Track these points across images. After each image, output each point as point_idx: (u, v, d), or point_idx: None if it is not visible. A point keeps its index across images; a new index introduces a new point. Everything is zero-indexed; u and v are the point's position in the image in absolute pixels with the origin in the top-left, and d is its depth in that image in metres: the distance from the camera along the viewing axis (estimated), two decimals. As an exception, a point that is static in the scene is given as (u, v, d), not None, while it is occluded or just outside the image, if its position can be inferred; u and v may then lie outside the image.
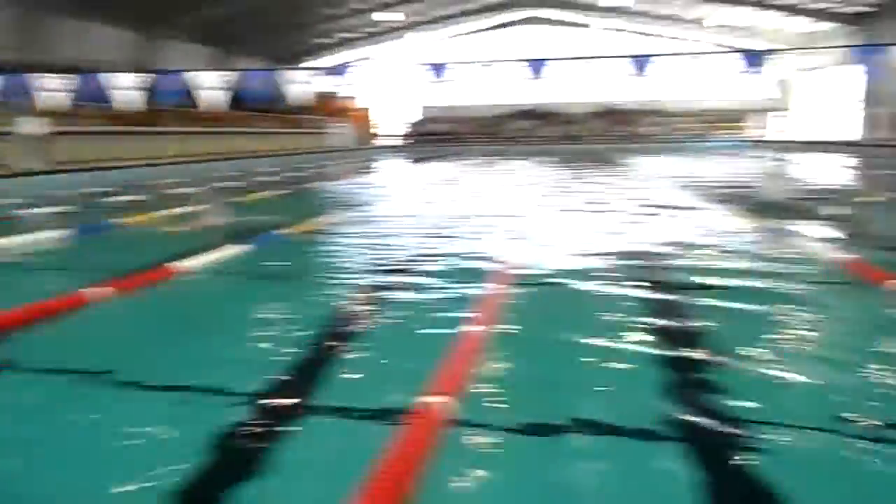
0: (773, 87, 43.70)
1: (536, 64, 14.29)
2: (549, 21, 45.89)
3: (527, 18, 46.05)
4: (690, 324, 3.67)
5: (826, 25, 34.09)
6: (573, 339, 3.40)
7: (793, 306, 3.94)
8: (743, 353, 3.15)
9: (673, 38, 42.89)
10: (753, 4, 34.20)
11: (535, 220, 7.98)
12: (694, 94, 43.68)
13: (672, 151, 30.17)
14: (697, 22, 39.36)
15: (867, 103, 33.66)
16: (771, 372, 2.93)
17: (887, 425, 2.40)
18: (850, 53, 5.45)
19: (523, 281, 4.68)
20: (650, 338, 3.42)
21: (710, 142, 38.07)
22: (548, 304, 4.28)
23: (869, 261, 5.04)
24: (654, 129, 45.41)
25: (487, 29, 46.85)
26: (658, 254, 5.67)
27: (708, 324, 3.62)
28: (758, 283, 4.52)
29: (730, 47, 37.20)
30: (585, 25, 43.84)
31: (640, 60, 12.41)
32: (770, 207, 8.26)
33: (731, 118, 45.13)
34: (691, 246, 6.03)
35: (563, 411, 2.56)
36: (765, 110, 44.89)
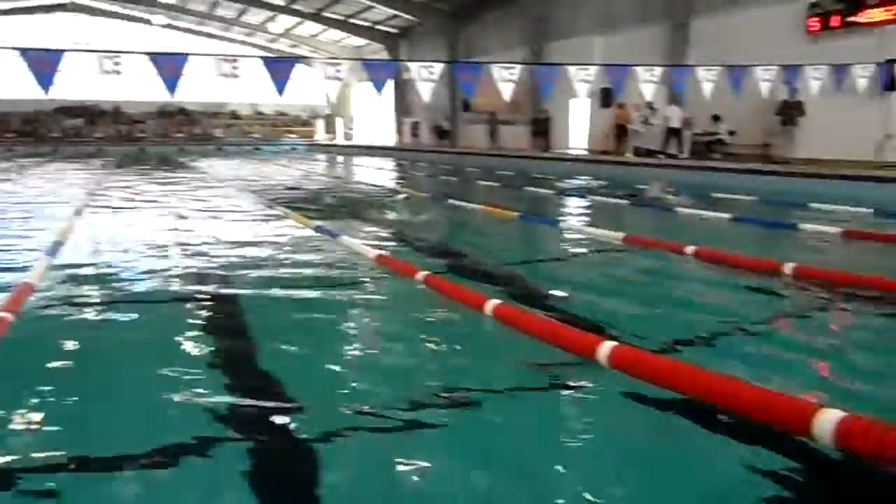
0: (331, 95, 47.49)
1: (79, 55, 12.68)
2: (99, 11, 41.64)
3: (64, 4, 40.86)
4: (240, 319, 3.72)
5: (377, 45, 38.62)
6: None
7: (338, 300, 4.32)
8: (285, 342, 3.32)
9: (231, 41, 43.30)
10: (310, 17, 36.62)
11: (85, 225, 7.20)
12: (260, 97, 44.63)
13: (240, 155, 30.54)
14: (263, 28, 40.50)
15: (396, 113, 39.48)
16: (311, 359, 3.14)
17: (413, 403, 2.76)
18: (378, 69, 6.24)
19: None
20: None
21: (280, 145, 39.52)
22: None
23: (403, 256, 5.80)
24: (226, 131, 45.04)
25: (19, 11, 40.28)
26: (213, 256, 5.67)
27: (257, 320, 3.72)
28: (307, 281, 4.89)
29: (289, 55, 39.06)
30: (144, 20, 41.07)
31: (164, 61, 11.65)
32: (325, 209, 8.92)
33: (300, 122, 47.55)
34: (246, 245, 6.17)
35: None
36: (329, 116, 48.45)
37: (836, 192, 11.33)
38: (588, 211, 10.53)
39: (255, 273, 5.35)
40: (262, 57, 6.00)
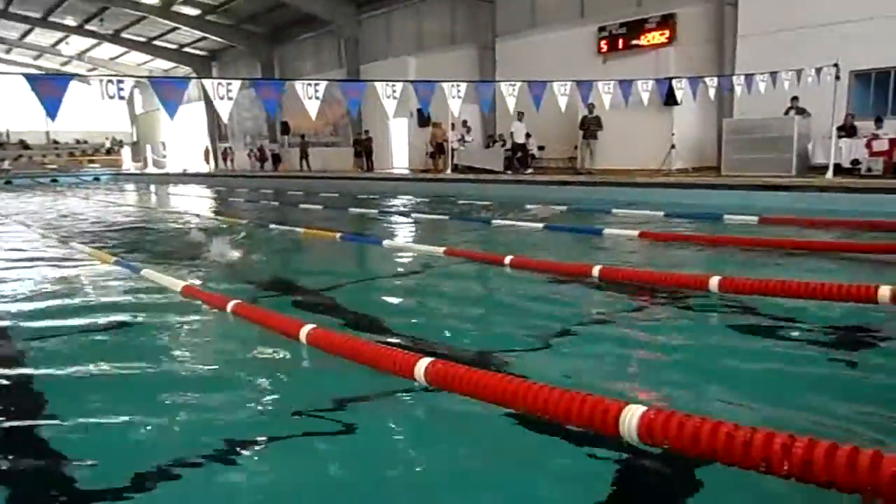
0: (132, 118, 44.43)
1: None
2: None
3: None
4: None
5: (186, 69, 36.61)
6: None
7: (137, 338, 3.90)
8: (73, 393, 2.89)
9: (11, 62, 39.22)
10: (108, 38, 33.99)
11: None
12: (53, 125, 40.72)
13: (33, 188, 27.54)
14: (55, 51, 36.99)
15: (211, 138, 37.93)
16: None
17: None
18: (167, 89, 5.76)
19: None
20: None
21: (81, 176, 36.19)
22: None
23: (215, 286, 5.40)
24: (14, 164, 40.46)
25: None
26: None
27: (40, 366, 3.22)
28: (101, 320, 4.36)
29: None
30: None
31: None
32: (128, 243, 8.18)
33: (105, 151, 43.92)
34: (29, 284, 5.43)
35: None
36: (136, 144, 45.19)
37: (632, 198, 12.37)
38: (410, 228, 10.59)
39: (38, 316, 4.70)
40: (24, 74, 5.28)
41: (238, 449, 2.59)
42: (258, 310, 4.39)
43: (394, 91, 7.48)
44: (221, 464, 2.48)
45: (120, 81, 5.22)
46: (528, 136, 18.90)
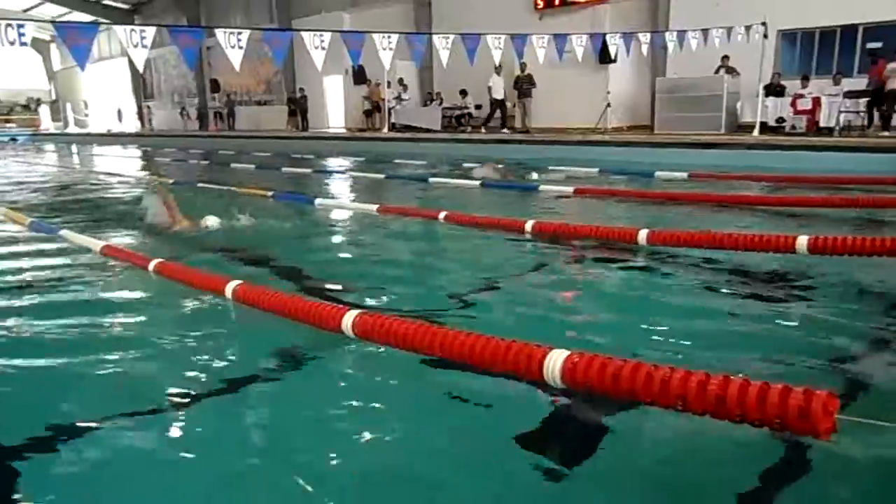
0: (43, 78, 42.05)
1: None
2: None
3: None
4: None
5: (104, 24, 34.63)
6: None
7: (56, 298, 3.72)
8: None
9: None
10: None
11: None
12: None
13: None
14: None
15: (135, 95, 36.32)
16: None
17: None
18: (76, 34, 5.38)
19: None
20: None
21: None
22: None
23: (138, 246, 5.19)
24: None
25: None
26: None
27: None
28: (23, 278, 4.13)
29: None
30: None
31: None
32: (46, 204, 7.78)
33: (17, 109, 41.47)
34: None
35: None
36: (55, 102, 42.81)
37: (569, 155, 12.47)
38: (344, 186, 10.41)
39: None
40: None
41: (163, 406, 2.51)
42: (182, 267, 4.23)
43: (322, 42, 7.21)
44: (144, 421, 2.39)
45: (21, 26, 4.82)
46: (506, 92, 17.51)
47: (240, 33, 6.41)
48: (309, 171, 12.62)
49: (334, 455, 2.18)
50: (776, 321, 3.32)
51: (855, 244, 3.88)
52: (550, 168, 10.60)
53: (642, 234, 4.70)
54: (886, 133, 11.84)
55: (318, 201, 7.65)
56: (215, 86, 29.33)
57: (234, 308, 3.51)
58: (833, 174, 8.33)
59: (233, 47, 6.32)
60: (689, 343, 3.05)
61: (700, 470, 2.09)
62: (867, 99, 12.80)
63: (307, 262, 4.95)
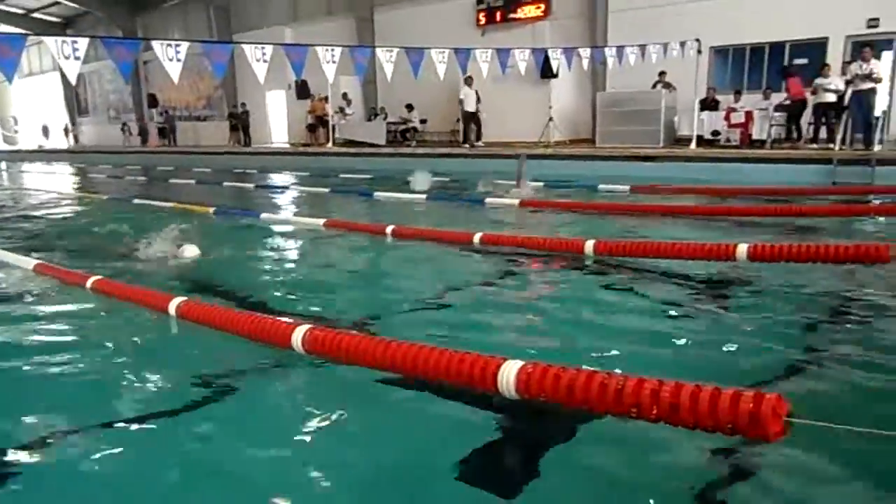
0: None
1: None
2: None
3: None
4: None
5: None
6: None
7: None
8: None
9: None
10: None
11: None
12: None
13: None
14: None
15: (68, 110, 35.21)
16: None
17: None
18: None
19: None
20: None
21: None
22: None
23: (74, 264, 4.98)
24: None
25: None
26: None
27: None
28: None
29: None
30: None
31: None
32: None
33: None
34: None
35: None
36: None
37: (513, 169, 12.57)
38: (289, 202, 10.25)
39: None
40: None
41: (107, 428, 2.40)
42: (121, 285, 4.07)
43: (264, 55, 7.09)
44: (87, 443, 2.27)
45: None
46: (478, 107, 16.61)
47: (178, 45, 6.24)
48: (252, 186, 12.40)
49: (278, 476, 2.11)
50: (721, 327, 3.39)
51: (791, 251, 4.02)
52: (496, 182, 10.67)
53: (588, 245, 4.76)
54: (815, 145, 12.37)
55: (263, 216, 7.50)
56: (153, 101, 28.59)
57: (178, 325, 3.39)
58: (767, 185, 8.65)
59: (171, 60, 6.14)
60: (639, 350, 3.09)
61: (649, 475, 2.10)
62: (786, 114, 13.34)
63: (253, 279, 4.83)
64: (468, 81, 15.73)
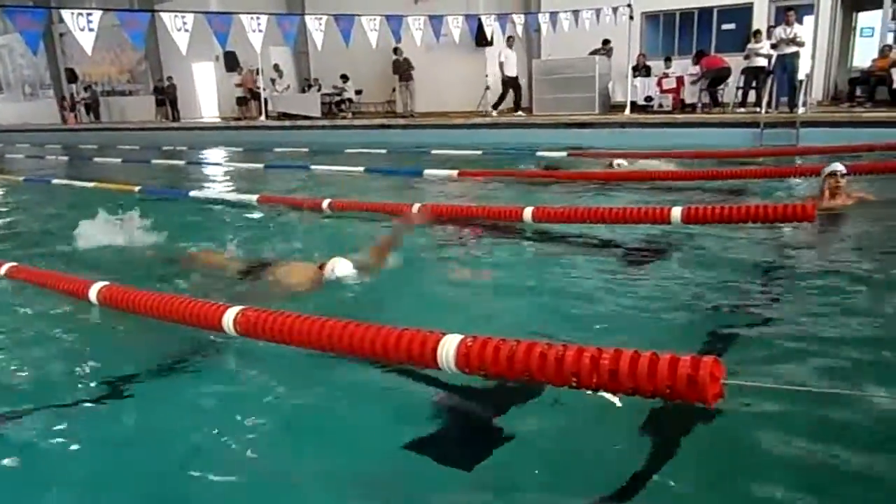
0: None
1: None
2: None
3: None
4: None
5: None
6: None
7: None
8: None
9: None
10: None
11: None
12: None
13: None
14: None
15: None
16: None
17: None
18: None
19: None
20: None
21: None
22: None
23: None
24: None
25: None
26: None
27: None
28: None
29: None
30: None
31: None
32: None
33: None
34: None
35: None
36: None
37: (451, 139, 12.49)
38: (220, 178, 9.92)
39: None
40: None
41: (33, 419, 2.26)
42: (37, 271, 3.84)
43: (185, 24, 6.72)
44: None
45: None
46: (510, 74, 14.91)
47: (90, 14, 5.84)
48: (182, 163, 11.95)
49: (212, 463, 2.03)
50: (657, 290, 3.43)
51: (723, 213, 4.10)
52: (434, 152, 10.57)
53: (527, 212, 4.74)
54: (742, 109, 12.68)
55: (192, 194, 7.22)
56: (72, 75, 27.12)
57: (99, 312, 3.21)
58: (698, 149, 8.82)
59: (83, 30, 5.75)
60: (578, 317, 3.09)
61: (589, 446, 2.10)
62: (706, 87, 13.54)
63: (182, 260, 4.63)
64: (510, 42, 14.46)
